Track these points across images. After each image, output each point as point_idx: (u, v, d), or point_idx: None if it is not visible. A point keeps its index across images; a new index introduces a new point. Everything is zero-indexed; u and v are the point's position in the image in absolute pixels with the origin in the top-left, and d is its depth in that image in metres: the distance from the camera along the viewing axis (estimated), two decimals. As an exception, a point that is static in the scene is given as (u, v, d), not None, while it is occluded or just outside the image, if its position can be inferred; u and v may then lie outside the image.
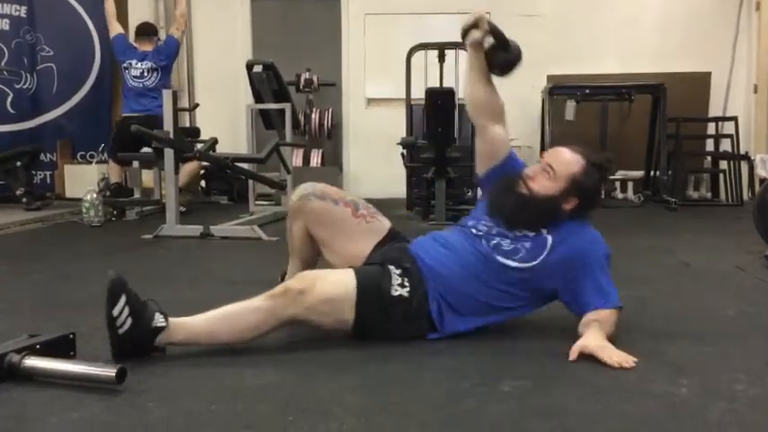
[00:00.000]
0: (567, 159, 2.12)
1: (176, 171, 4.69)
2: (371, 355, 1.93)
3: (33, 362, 1.70)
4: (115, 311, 1.75)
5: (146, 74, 6.07)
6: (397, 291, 1.99)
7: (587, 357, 1.85)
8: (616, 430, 1.48)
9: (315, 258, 2.36)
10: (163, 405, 1.58)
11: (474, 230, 2.14)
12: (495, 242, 2.09)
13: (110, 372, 1.63)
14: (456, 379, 1.76)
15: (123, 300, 1.77)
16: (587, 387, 1.71)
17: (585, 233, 2.12)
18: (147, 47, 6.19)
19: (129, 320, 1.77)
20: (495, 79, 2.25)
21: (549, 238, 2.07)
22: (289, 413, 1.53)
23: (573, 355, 1.85)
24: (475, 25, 2.16)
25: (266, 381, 1.75)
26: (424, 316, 2.03)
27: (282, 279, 2.40)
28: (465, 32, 2.20)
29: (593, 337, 1.90)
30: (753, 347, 2.09)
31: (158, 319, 1.81)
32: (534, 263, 2.05)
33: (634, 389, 1.68)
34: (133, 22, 7.40)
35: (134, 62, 6.09)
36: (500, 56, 2.20)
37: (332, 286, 1.94)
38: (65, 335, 1.85)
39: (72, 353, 1.84)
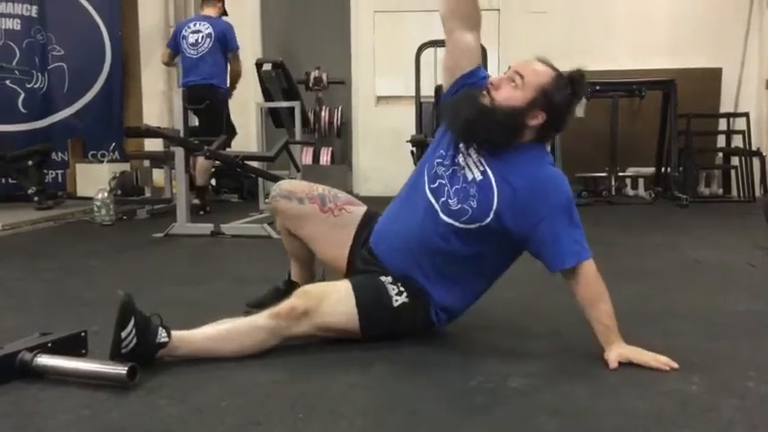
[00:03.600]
0: (537, 69, 1.94)
1: (186, 170, 4.71)
2: (379, 355, 1.94)
3: (45, 360, 1.71)
4: (123, 334, 1.71)
5: (200, 40, 5.94)
6: (398, 300, 1.97)
7: (596, 353, 1.85)
8: (626, 427, 1.47)
9: (309, 256, 2.32)
10: (174, 402, 1.59)
11: (428, 181, 2.00)
12: (443, 200, 1.95)
13: (121, 370, 1.63)
14: (464, 376, 1.76)
15: (132, 322, 1.71)
16: (597, 383, 1.71)
17: (543, 167, 1.95)
18: (210, 11, 6.11)
19: (134, 341, 1.72)
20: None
21: (493, 180, 1.91)
22: (298, 411, 1.54)
23: (614, 364, 1.79)
24: None
25: (276, 379, 1.75)
26: (427, 316, 2.02)
27: (289, 276, 2.40)
28: None
29: (623, 345, 1.84)
30: (764, 344, 2.08)
31: (161, 335, 1.76)
32: (486, 221, 1.91)
33: (644, 385, 1.68)
34: (144, 22, 7.45)
35: (192, 25, 6.01)
36: None
37: (336, 305, 1.91)
38: (76, 333, 1.86)
39: (83, 351, 1.85)
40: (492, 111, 1.89)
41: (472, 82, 2.01)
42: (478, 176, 1.93)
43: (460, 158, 1.98)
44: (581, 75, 1.96)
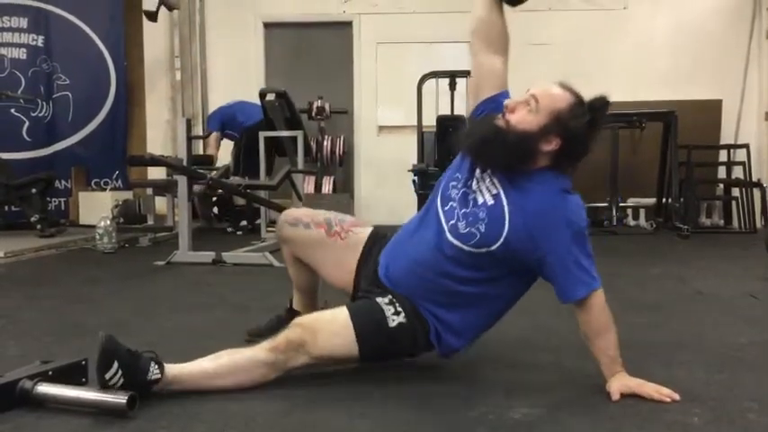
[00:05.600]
0: (554, 93, 1.88)
1: (189, 198, 4.73)
2: (381, 385, 1.93)
3: (45, 388, 1.71)
4: (107, 376, 1.68)
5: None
6: (395, 320, 1.90)
7: (598, 384, 1.84)
8: (627, 460, 1.47)
9: (314, 285, 2.33)
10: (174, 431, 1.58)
11: (441, 203, 1.97)
12: (452, 222, 1.91)
13: (120, 399, 1.63)
14: (466, 406, 1.75)
15: (116, 365, 1.68)
16: (599, 415, 1.70)
17: (556, 194, 1.87)
18: None
19: (121, 381, 1.69)
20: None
21: (505, 206, 1.85)
22: (298, 440, 1.53)
23: (616, 395, 1.79)
24: None
25: (277, 407, 1.74)
26: (428, 337, 1.94)
27: (291, 305, 2.39)
28: None
29: (625, 377, 1.84)
30: (766, 376, 2.07)
31: (153, 372, 1.73)
32: (494, 246, 1.85)
33: (646, 417, 1.67)
34: (149, 52, 7.53)
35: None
36: None
37: (332, 337, 1.86)
38: (77, 361, 1.85)
39: (84, 379, 1.84)
40: (505, 133, 1.84)
41: (493, 108, 1.96)
42: (490, 201, 1.88)
43: (474, 183, 1.93)
44: (603, 102, 1.92)
